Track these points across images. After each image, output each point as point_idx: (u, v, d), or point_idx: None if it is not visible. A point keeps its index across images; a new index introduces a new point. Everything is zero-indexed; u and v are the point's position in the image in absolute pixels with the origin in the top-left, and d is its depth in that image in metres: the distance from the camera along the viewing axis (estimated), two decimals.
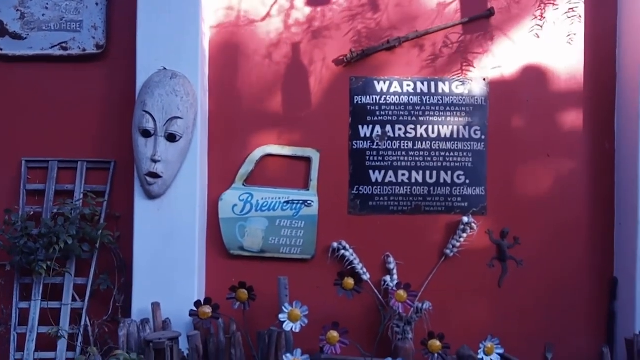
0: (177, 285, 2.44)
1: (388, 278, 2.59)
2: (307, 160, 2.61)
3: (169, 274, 2.44)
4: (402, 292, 2.35)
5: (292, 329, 2.26)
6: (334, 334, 2.26)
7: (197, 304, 2.29)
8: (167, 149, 2.37)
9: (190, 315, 2.27)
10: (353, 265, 2.58)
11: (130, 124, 2.45)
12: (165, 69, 2.42)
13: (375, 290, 2.58)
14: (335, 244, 2.59)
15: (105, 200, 2.57)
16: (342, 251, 2.58)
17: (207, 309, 2.28)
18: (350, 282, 2.38)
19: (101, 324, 2.51)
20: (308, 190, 2.60)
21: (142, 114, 2.37)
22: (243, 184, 2.60)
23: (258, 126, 2.63)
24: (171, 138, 2.37)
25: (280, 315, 2.28)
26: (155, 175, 2.36)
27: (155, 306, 2.38)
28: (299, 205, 2.57)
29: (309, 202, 2.58)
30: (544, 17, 2.63)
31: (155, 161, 2.35)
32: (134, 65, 2.46)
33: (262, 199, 2.58)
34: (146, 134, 2.37)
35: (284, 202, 2.58)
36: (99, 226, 2.48)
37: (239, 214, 2.57)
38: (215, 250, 2.61)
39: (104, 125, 2.63)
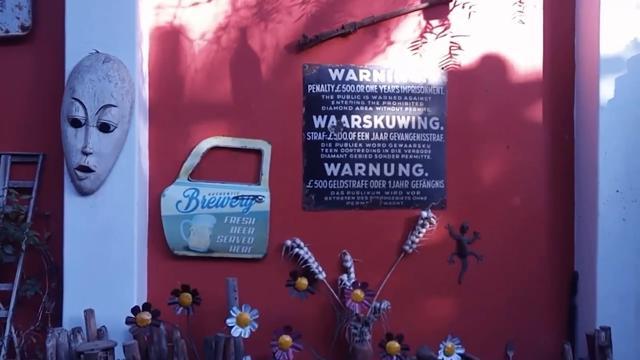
0: (114, 289, 2.23)
1: (345, 277, 2.45)
2: (258, 152, 2.44)
3: (104, 278, 2.22)
4: (359, 292, 2.22)
5: (241, 334, 2.09)
6: (287, 338, 2.11)
7: (135, 310, 2.08)
8: (100, 140, 2.15)
9: (127, 323, 2.06)
10: (308, 264, 2.42)
11: (60, 113, 2.21)
12: (97, 52, 2.20)
13: (332, 290, 2.44)
14: (288, 242, 2.43)
15: (33, 198, 2.32)
16: (296, 249, 2.43)
17: (146, 316, 2.08)
18: (303, 282, 2.23)
19: (29, 334, 2.26)
20: (259, 184, 2.43)
21: (71, 102, 2.14)
22: (188, 179, 2.40)
23: (204, 116, 2.43)
24: (104, 128, 2.15)
25: (228, 320, 2.11)
26: (86, 169, 2.14)
27: (89, 313, 2.16)
28: (249, 201, 2.40)
29: (259, 197, 2.41)
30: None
31: (86, 153, 2.13)
32: (64, 48, 2.23)
33: (209, 194, 2.39)
34: (76, 123, 2.14)
35: (233, 198, 2.39)
36: (23, 226, 2.23)
37: (184, 211, 2.37)
38: (157, 251, 2.40)
39: (32, 115, 2.38)
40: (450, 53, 2.50)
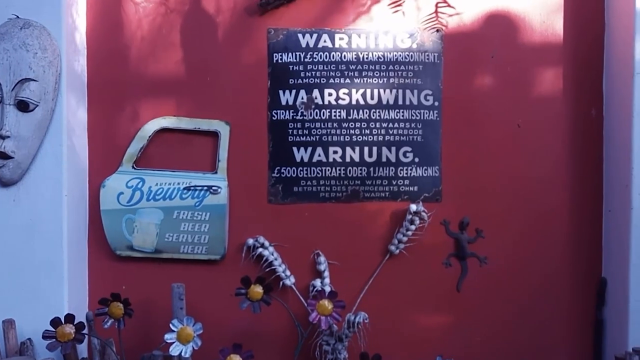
0: (42, 296, 1.91)
1: (318, 282, 2.06)
2: (214, 135, 2.07)
3: (30, 283, 1.91)
4: (326, 303, 1.83)
5: (181, 353, 1.74)
6: (235, 359, 1.75)
7: (55, 322, 1.75)
8: (19, 120, 1.82)
9: (44, 337, 1.73)
10: (273, 267, 2.04)
11: None
12: (17, 17, 1.87)
13: (302, 298, 2.05)
14: (250, 241, 2.06)
15: None
16: (260, 249, 2.05)
17: (68, 329, 1.74)
18: (257, 290, 1.85)
19: None
20: (215, 173, 2.06)
21: None
22: (132, 167, 2.05)
23: (151, 93, 2.07)
24: (23, 106, 1.81)
25: (167, 336, 1.75)
26: (3, 156, 1.81)
27: (7, 324, 1.85)
28: (202, 193, 2.03)
29: (215, 188, 2.04)
30: None
31: (2, 137, 1.80)
32: None
33: (156, 185, 2.03)
34: None
35: (184, 189, 2.03)
36: None
37: (126, 204, 2.03)
38: (98, 251, 2.07)
39: None
40: (436, 13, 2.04)
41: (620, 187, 2.01)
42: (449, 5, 2.08)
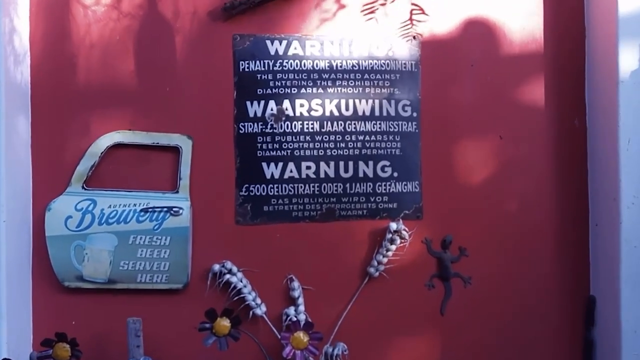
0: None
1: (292, 310, 1.88)
2: (175, 151, 1.88)
3: None
4: (301, 335, 1.66)
5: None
6: None
7: None
8: None
9: None
10: (242, 295, 1.86)
11: None
12: None
13: (274, 329, 1.87)
14: (217, 267, 1.87)
15: None
16: (227, 276, 1.86)
17: None
18: (224, 324, 1.67)
19: None
20: (176, 192, 1.87)
21: None
22: (83, 187, 1.84)
23: (103, 105, 1.87)
24: None
25: None
26: None
27: None
28: (162, 215, 1.84)
29: (176, 209, 1.85)
30: None
31: None
32: None
33: (110, 207, 1.83)
34: None
35: (141, 211, 1.83)
36: None
37: (76, 229, 1.81)
38: (43, 283, 1.84)
39: None
40: (411, 19, 1.93)
41: (607, 200, 1.92)
42: (423, 12, 1.98)
